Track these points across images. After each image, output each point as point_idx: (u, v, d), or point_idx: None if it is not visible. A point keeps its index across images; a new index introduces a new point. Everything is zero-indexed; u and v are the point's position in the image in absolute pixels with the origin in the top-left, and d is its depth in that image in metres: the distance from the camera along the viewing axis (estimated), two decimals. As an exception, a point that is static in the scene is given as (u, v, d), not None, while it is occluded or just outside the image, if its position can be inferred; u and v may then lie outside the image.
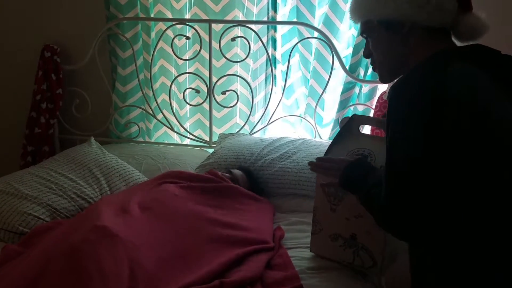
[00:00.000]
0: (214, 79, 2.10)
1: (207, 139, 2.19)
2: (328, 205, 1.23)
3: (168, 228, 1.31)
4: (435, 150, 0.82)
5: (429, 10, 0.95)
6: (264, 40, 2.05)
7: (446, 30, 0.99)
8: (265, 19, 2.06)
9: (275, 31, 2.06)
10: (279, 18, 2.04)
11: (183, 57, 2.13)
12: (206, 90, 2.12)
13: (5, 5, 2.24)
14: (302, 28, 2.02)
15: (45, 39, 2.16)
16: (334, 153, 1.24)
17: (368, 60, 1.13)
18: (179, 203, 1.44)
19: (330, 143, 1.29)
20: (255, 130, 2.14)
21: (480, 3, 1.09)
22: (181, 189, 1.52)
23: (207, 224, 1.37)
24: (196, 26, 2.06)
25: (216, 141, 2.12)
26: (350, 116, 1.31)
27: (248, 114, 2.13)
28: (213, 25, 2.05)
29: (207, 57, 2.08)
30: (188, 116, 2.24)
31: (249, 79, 2.11)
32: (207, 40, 2.05)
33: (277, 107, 2.10)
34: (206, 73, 2.11)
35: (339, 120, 1.29)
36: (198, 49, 2.07)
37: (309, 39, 2.03)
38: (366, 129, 1.87)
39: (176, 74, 2.16)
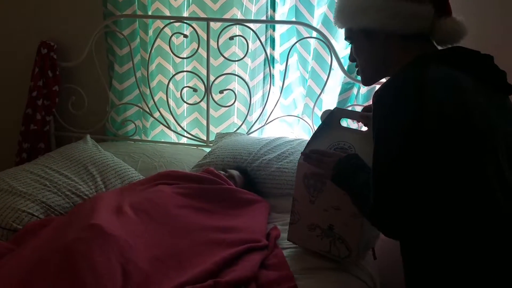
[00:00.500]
0: (211, 78, 2.09)
1: (204, 138, 2.18)
2: (308, 196, 1.25)
3: (162, 229, 1.31)
4: (417, 149, 0.85)
5: (403, 19, 0.99)
6: (263, 39, 2.04)
7: (425, 35, 1.02)
8: (264, 18, 2.05)
9: (274, 30, 2.05)
10: (277, 17, 2.04)
11: (180, 55, 2.12)
12: (203, 89, 2.10)
13: (3, 1, 2.22)
14: (300, 27, 2.01)
15: (42, 35, 2.15)
16: (314, 146, 1.26)
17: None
18: (174, 205, 1.43)
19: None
20: (252, 129, 2.13)
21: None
22: (176, 190, 1.52)
23: (201, 226, 1.37)
24: (194, 24, 2.05)
25: (213, 140, 2.11)
26: (331, 109, 1.34)
27: (246, 113, 2.12)
28: (211, 24, 2.04)
29: (205, 56, 2.07)
30: (185, 115, 2.23)
31: (247, 78, 2.10)
32: (205, 38, 2.04)
33: (274, 107, 2.09)
34: (204, 71, 2.10)
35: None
36: (196, 48, 2.06)
37: (308, 39, 2.02)
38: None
39: (174, 73, 2.15)
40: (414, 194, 0.85)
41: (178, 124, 2.18)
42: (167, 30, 2.09)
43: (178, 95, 2.16)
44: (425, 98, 0.86)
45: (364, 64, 1.10)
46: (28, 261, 1.10)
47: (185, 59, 2.13)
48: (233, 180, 1.65)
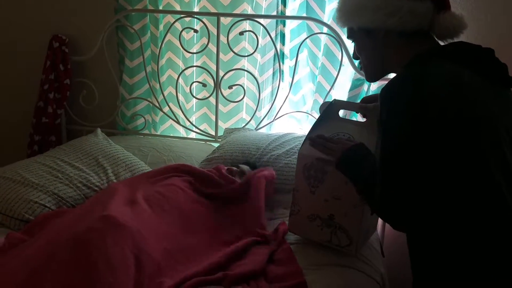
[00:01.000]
0: (221, 73, 2.09)
1: (213, 133, 2.18)
2: (308, 187, 1.27)
3: (173, 222, 1.32)
4: (422, 142, 0.87)
5: (401, 16, 1.00)
6: (273, 34, 2.04)
7: (425, 31, 1.03)
8: (274, 13, 2.05)
9: (284, 25, 2.05)
10: (288, 12, 2.03)
11: (190, 50, 2.12)
12: (213, 84, 2.11)
13: (15, -5, 2.25)
14: (311, 23, 2.00)
15: (54, 29, 2.17)
16: None
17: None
18: (186, 200, 1.44)
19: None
20: (261, 125, 2.13)
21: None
22: (188, 185, 1.53)
23: (210, 225, 1.40)
24: (204, 19, 2.05)
25: (221, 136, 2.12)
26: (330, 101, 1.36)
27: (255, 109, 2.12)
28: (222, 19, 2.04)
29: (215, 51, 2.07)
30: (194, 110, 2.24)
31: (256, 74, 2.10)
32: (215, 33, 2.05)
33: (283, 102, 2.09)
34: (214, 66, 2.10)
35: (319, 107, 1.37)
36: (206, 43, 2.06)
37: (318, 35, 2.01)
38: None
39: (183, 67, 2.16)
40: (420, 185, 0.87)
41: (187, 118, 2.19)
42: (178, 25, 2.10)
43: (187, 90, 2.17)
44: (427, 94, 0.88)
45: (366, 62, 1.12)
46: (41, 252, 1.11)
47: (195, 54, 2.14)
48: (244, 175, 1.65)
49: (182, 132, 2.27)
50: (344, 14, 1.10)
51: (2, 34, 2.28)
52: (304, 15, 2.01)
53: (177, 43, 2.10)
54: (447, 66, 0.94)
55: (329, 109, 1.33)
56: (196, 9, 2.11)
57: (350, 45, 1.99)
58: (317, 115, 2.09)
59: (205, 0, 2.09)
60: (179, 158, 1.95)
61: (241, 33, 2.03)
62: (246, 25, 2.05)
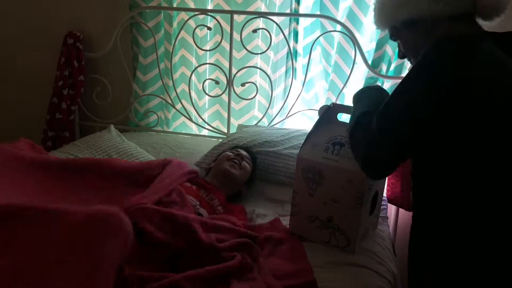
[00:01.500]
0: (234, 71, 2.10)
1: (225, 130, 2.19)
2: (307, 190, 1.30)
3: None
4: (446, 120, 0.90)
5: (446, 2, 0.99)
6: (286, 32, 2.03)
7: (469, 13, 1.03)
8: (288, 11, 2.04)
9: (297, 23, 2.04)
10: (302, 10, 2.02)
11: (204, 48, 2.13)
12: (225, 82, 2.11)
13: (31, -8, 2.27)
14: (325, 21, 1.99)
15: (69, 26, 2.19)
16: (312, 141, 1.31)
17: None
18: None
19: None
20: (273, 123, 2.13)
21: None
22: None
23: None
24: (218, 17, 2.05)
25: (233, 133, 2.12)
26: (328, 104, 1.38)
27: (267, 106, 2.12)
28: (235, 16, 2.04)
29: (228, 48, 2.07)
30: (206, 107, 2.24)
31: (269, 71, 2.10)
32: (229, 31, 2.05)
33: (296, 100, 2.08)
34: (226, 64, 2.10)
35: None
36: (219, 40, 2.06)
37: (332, 33, 2.00)
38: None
39: (196, 65, 2.16)
40: (413, 146, 0.94)
41: (199, 116, 2.20)
42: (191, 22, 2.10)
43: (200, 87, 2.17)
44: (470, 81, 0.89)
45: (414, 56, 1.11)
46: None
47: (208, 52, 2.14)
48: (235, 180, 1.63)
49: (194, 129, 2.28)
50: (386, 12, 1.09)
51: (18, 31, 2.31)
52: (318, 13, 2.00)
53: (191, 40, 2.11)
54: (495, 53, 0.94)
55: (327, 113, 1.36)
56: (210, 7, 2.12)
57: (363, 43, 1.98)
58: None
59: (219, -3, 2.09)
60: (190, 155, 1.96)
61: (254, 31, 2.03)
62: (260, 22, 2.05)
